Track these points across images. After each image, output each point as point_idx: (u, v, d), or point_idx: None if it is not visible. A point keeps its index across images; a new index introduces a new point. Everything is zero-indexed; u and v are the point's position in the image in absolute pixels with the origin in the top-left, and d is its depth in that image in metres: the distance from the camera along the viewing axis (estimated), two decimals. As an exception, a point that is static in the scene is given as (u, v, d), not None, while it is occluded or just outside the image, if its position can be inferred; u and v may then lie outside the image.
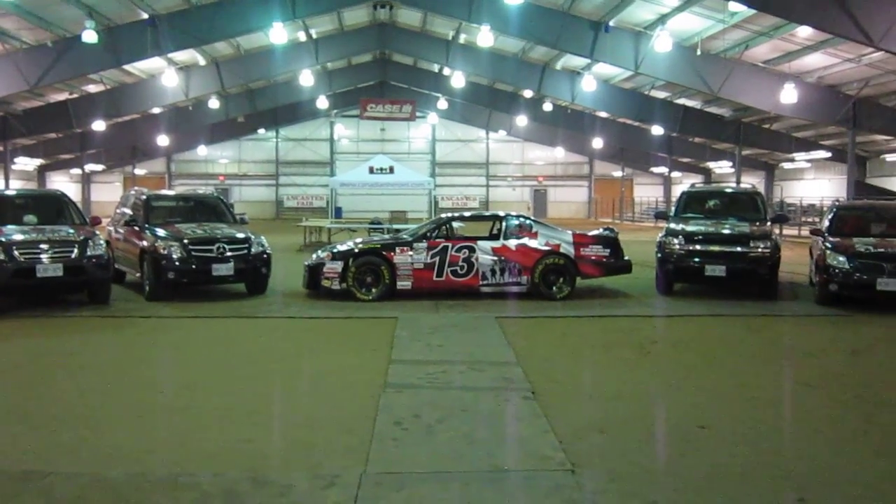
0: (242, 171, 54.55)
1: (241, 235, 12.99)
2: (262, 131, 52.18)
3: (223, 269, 12.39)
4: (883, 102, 27.55)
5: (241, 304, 12.36)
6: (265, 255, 13.10)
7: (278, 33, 25.33)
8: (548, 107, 39.88)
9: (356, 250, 12.64)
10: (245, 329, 10.41)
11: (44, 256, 11.24)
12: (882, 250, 11.94)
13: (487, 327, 10.30)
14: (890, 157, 35.86)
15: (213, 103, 37.45)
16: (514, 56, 33.02)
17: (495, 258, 12.64)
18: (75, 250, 11.55)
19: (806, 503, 4.65)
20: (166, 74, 29.60)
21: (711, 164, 47.35)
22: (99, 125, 34.69)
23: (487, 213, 15.45)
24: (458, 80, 35.25)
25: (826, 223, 13.54)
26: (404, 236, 13.26)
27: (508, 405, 6.65)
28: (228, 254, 12.48)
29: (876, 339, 9.98)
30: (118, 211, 15.06)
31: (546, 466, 5.20)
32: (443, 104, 45.25)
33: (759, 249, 12.76)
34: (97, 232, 12.50)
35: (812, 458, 5.43)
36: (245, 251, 12.73)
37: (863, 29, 17.82)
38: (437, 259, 12.53)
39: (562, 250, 12.79)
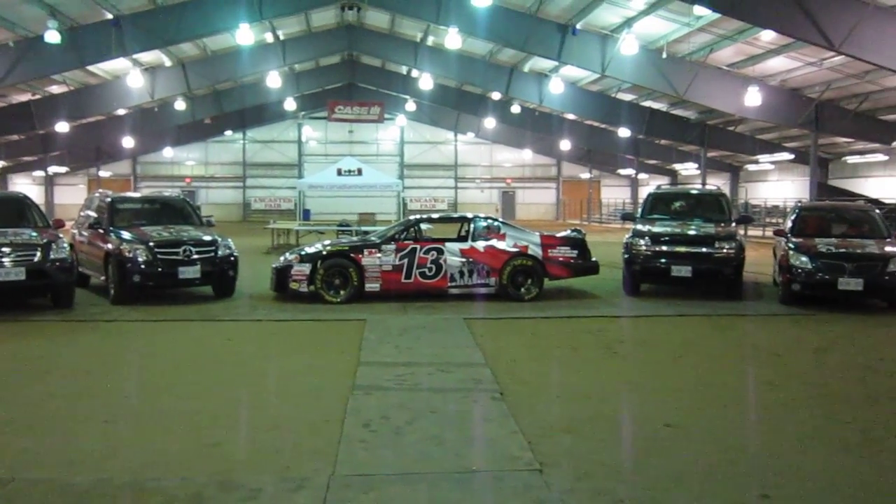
0: (209, 173, 54.10)
1: (207, 238, 12.89)
2: (229, 133, 51.82)
3: (190, 272, 12.28)
4: (844, 105, 28.03)
5: (208, 307, 12.26)
6: (232, 258, 13.01)
7: (245, 34, 25.17)
8: (516, 109, 40.04)
9: (324, 252, 12.60)
10: (212, 332, 10.33)
11: (5, 260, 11.04)
12: (843, 250, 12.16)
13: (456, 329, 10.32)
14: (851, 159, 36.48)
15: (180, 105, 37.10)
16: (482, 58, 33.12)
17: (464, 260, 12.67)
18: (38, 254, 11.37)
19: (770, 499, 4.72)
20: (131, 75, 29.25)
21: (678, 166, 47.84)
22: (62, 127, 34.17)
23: (456, 215, 15.49)
24: (426, 82, 35.27)
25: (789, 224, 13.76)
26: (373, 238, 13.23)
27: (477, 406, 6.67)
28: (195, 256, 12.37)
29: (837, 338, 10.15)
30: (82, 214, 14.85)
31: (514, 466, 5.22)
32: (411, 106, 45.28)
33: (724, 250, 12.92)
34: (60, 235, 12.33)
35: (776, 455, 5.51)
36: (212, 254, 12.63)
37: (824, 33, 18.12)
38: (405, 261, 12.53)
39: (530, 252, 12.86)
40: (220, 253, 12.75)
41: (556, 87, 31.58)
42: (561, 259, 13.06)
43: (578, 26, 25.03)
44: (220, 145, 53.74)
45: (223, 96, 40.65)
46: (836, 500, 4.72)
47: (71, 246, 12.94)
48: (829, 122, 28.04)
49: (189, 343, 9.65)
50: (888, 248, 12.21)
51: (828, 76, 25.25)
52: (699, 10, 20.66)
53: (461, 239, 13.10)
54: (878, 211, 14.39)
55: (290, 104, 43.44)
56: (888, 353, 9.28)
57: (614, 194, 54.46)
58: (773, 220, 33.19)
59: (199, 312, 11.70)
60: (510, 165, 56.25)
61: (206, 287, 13.15)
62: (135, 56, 28.10)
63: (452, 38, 25.59)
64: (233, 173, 54.18)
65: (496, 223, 13.30)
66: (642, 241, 13.27)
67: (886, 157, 33.74)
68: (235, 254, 13.15)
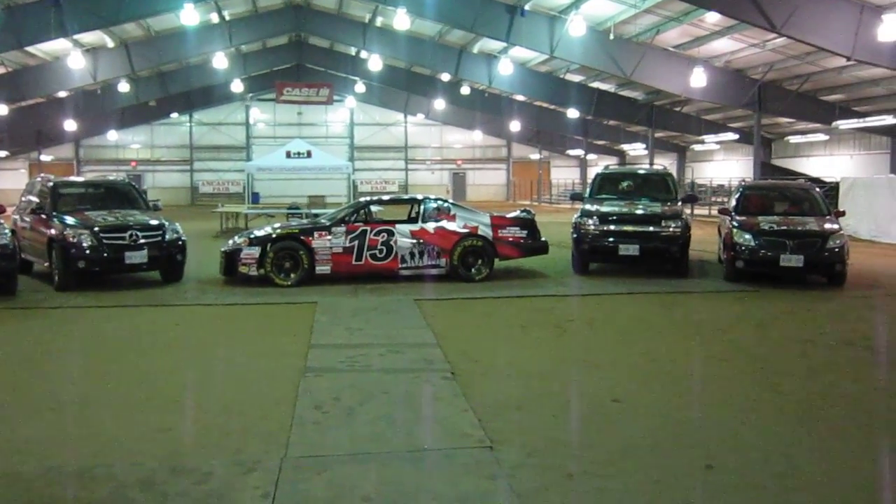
0: (155, 157, 53.15)
1: (154, 222, 12.70)
2: (174, 115, 50.84)
3: (136, 257, 12.10)
4: (786, 86, 28.59)
5: (155, 292, 12.10)
6: (180, 242, 12.84)
7: (189, 14, 24.62)
8: (465, 90, 40.01)
9: (274, 235, 12.51)
10: (160, 317, 10.21)
11: (-56, 247, 10.76)
12: (785, 228, 12.48)
13: (407, 310, 10.36)
14: (793, 139, 37.28)
15: (123, 87, 36.24)
16: (431, 39, 33.02)
17: (414, 241, 12.70)
18: (-22, 240, 11.10)
19: (713, 469, 4.87)
20: (72, 57, 28.44)
21: (626, 147, 48.38)
22: (0, 109, 33.21)
23: (406, 197, 15.48)
24: (375, 63, 35.02)
25: (733, 203, 14.04)
26: (323, 221, 13.17)
27: (428, 386, 6.73)
28: (141, 241, 12.18)
29: (780, 313, 10.43)
30: (24, 199, 14.49)
31: (465, 444, 5.29)
32: (361, 88, 44.97)
33: (671, 229, 13.15)
34: (1, 221, 12.04)
35: (720, 427, 5.67)
36: (159, 238, 12.45)
37: (766, 15, 18.46)
38: (355, 243, 12.51)
39: (480, 232, 12.93)
40: (167, 237, 12.57)
41: (505, 68, 31.65)
42: (511, 239, 13.16)
43: (527, 7, 25.12)
44: (167, 128, 52.80)
45: (168, 78, 39.86)
46: (776, 468, 4.87)
47: (13, 232, 12.67)
48: (771, 102, 28.61)
49: (137, 329, 9.52)
50: (827, 226, 12.56)
51: (770, 57, 25.73)
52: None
53: (411, 220, 13.11)
54: (818, 189, 14.76)
55: (237, 86, 42.73)
56: (827, 327, 9.56)
57: (564, 175, 54.94)
58: (719, 199, 33.82)
59: (147, 298, 11.55)
60: (460, 147, 56.29)
61: (154, 272, 12.97)
62: (75, 37, 27.40)
63: (401, 19, 25.45)
64: (180, 156, 53.30)
65: (446, 204, 13.34)
66: (590, 221, 13.43)
67: (827, 137, 34.57)
68: (183, 238, 12.99)
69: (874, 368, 7.51)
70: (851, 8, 18.68)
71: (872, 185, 22.30)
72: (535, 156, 53.93)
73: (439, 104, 45.11)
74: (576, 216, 13.99)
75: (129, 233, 12.15)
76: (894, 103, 27.99)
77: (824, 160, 35.86)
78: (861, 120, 29.49)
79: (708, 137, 38.64)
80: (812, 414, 6.03)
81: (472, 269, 12.85)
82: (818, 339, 8.76)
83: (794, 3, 18.40)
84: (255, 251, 12.24)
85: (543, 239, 13.67)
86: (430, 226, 12.85)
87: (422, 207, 13.11)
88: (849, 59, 20.27)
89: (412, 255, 12.71)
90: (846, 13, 18.75)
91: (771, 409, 6.16)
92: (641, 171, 16.84)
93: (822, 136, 34.73)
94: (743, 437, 5.46)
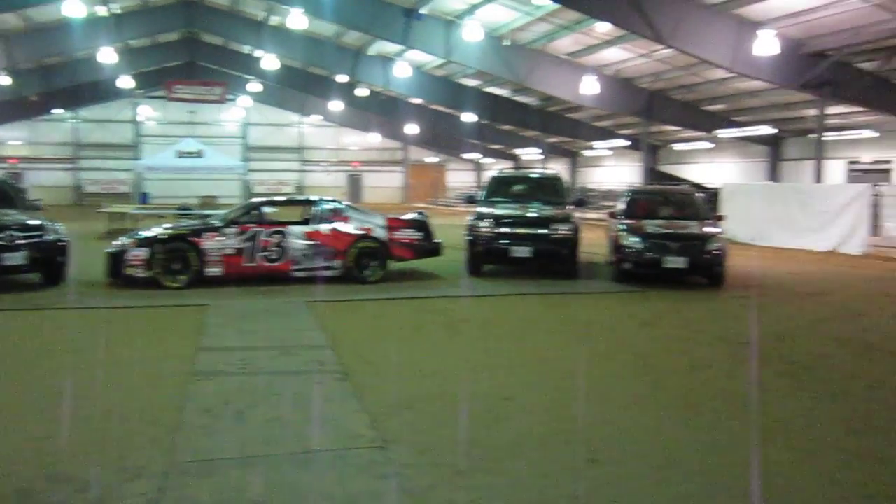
0: (37, 154, 50.72)
1: (33, 222, 12.14)
2: (59, 111, 48.67)
3: (14, 259, 11.53)
4: (672, 96, 29.76)
5: (35, 295, 11.57)
6: (61, 243, 12.32)
7: (73, 6, 23.67)
8: (363, 92, 39.91)
9: (162, 236, 12.17)
10: (40, 322, 9.78)
11: None
12: (668, 231, 13.00)
13: (300, 312, 10.27)
14: (680, 146, 38.76)
15: (3, 80, 34.47)
16: (328, 40, 32.78)
17: (308, 243, 12.59)
18: None
19: (598, 462, 5.03)
20: (-56, 47, 26.98)
21: (520, 151, 49.24)
22: None
23: (300, 198, 15.34)
24: (270, 62, 34.50)
25: (621, 207, 14.51)
26: (213, 222, 12.91)
27: (320, 387, 6.69)
28: (20, 242, 11.62)
29: (663, 312, 10.84)
30: None
31: (357, 445, 5.29)
32: (256, 87, 44.20)
33: (561, 231, 13.49)
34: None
35: (605, 422, 5.85)
36: (38, 239, 11.92)
37: (653, 27, 19.16)
38: (247, 244, 12.31)
39: (374, 234, 12.93)
40: (47, 238, 12.05)
41: (401, 70, 31.73)
42: (405, 241, 13.22)
43: (424, 11, 25.26)
44: (49, 124, 50.48)
45: (52, 72, 38.14)
46: (657, 461, 5.08)
47: None
48: (659, 111, 29.75)
49: (15, 333, 9.08)
50: (708, 230, 13.15)
51: (658, 68, 26.71)
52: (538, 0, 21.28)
53: (305, 222, 13.00)
54: (700, 194, 15.42)
55: (126, 82, 41.32)
56: (707, 325, 10.01)
57: (460, 178, 55.54)
58: (609, 203, 34.80)
59: (26, 301, 11.02)
60: (357, 149, 56.11)
61: (34, 274, 12.40)
62: (-52, 26, 25.95)
63: (296, 19, 25.18)
64: (63, 154, 51.06)
65: (341, 206, 13.28)
66: (484, 223, 13.64)
67: (712, 145, 36.08)
68: (65, 238, 12.46)
69: (748, 364, 7.90)
70: (731, 23, 19.62)
71: (750, 192, 23.48)
72: (432, 159, 54.29)
73: (336, 105, 44.81)
74: (470, 219, 14.16)
75: (6, 233, 11.58)
76: (772, 114, 29.50)
77: (709, 167, 37.43)
78: (740, 129, 30.97)
79: (598, 143, 39.78)
80: (691, 408, 6.30)
81: (367, 271, 12.84)
82: (698, 337, 9.16)
83: (679, 17, 19.18)
84: (143, 252, 11.88)
85: (438, 241, 13.78)
86: (325, 227, 12.76)
87: (316, 209, 13.02)
88: (729, 70, 21.27)
89: (306, 256, 12.60)
90: (726, 28, 19.68)
91: (653, 403, 6.41)
92: (533, 175, 17.21)
93: (707, 144, 36.25)
94: (626, 432, 5.66)
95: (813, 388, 6.99)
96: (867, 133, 28.11)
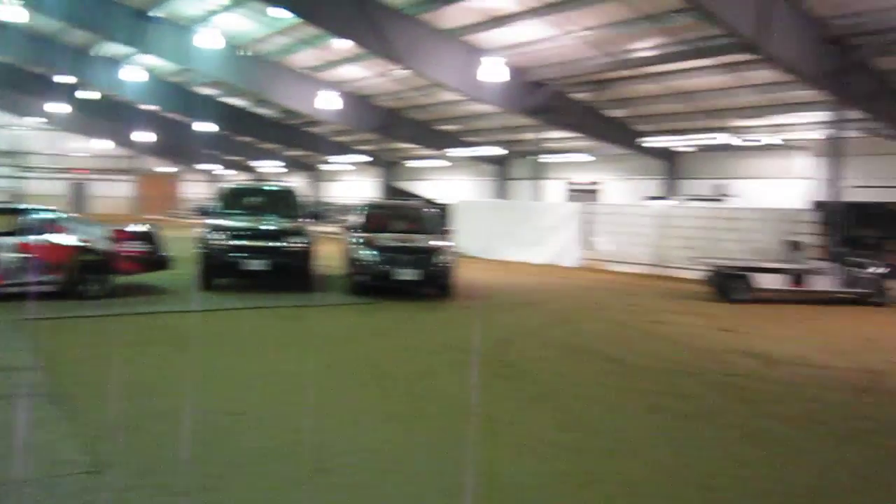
0: None
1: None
2: None
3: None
4: (408, 115, 30.84)
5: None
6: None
7: None
8: (90, 95, 37.21)
9: None
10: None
11: None
12: (401, 244, 13.49)
13: (10, 331, 9.44)
14: (418, 163, 40.17)
15: None
16: (50, 37, 30.22)
17: (19, 255, 11.54)
18: None
19: (326, 472, 5.13)
20: None
21: (260, 164, 48.50)
22: None
23: (10, 207, 14.01)
24: (-27, 56, 31.16)
25: (357, 220, 14.82)
26: None
27: (26, 413, 6.18)
28: None
29: (394, 322, 11.26)
30: None
31: (69, 471, 4.97)
32: (-40, 83, 39.71)
33: (296, 244, 13.52)
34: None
35: (333, 432, 5.96)
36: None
37: (390, 47, 19.75)
38: (-53, 258, 11.08)
39: (98, 246, 12.15)
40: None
41: (133, 74, 30.11)
42: (132, 254, 12.54)
43: (159, 14, 24.18)
44: None
45: None
46: (384, 465, 5.29)
47: None
48: (396, 128, 30.70)
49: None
50: (436, 243, 13.79)
51: (395, 87, 27.55)
52: (276, 11, 21.11)
53: (16, 233, 11.89)
54: (433, 209, 16.14)
55: None
56: (435, 334, 10.53)
57: (197, 189, 53.57)
58: (346, 217, 35.24)
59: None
60: (84, 155, 52.22)
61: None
62: None
63: (15, 12, 23.02)
64: None
65: (58, 216, 12.34)
66: (216, 236, 13.33)
67: (450, 163, 37.76)
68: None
69: (470, 368, 8.40)
70: (461, 48, 20.71)
71: (480, 208, 24.96)
72: (166, 169, 51.93)
73: (60, 108, 41.29)
74: (202, 231, 13.76)
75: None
76: (500, 136, 31.45)
77: (445, 183, 39.08)
78: (471, 149, 32.74)
79: (336, 158, 40.18)
80: (417, 413, 6.60)
81: (89, 286, 12.02)
82: (426, 346, 9.60)
83: (414, 39, 19.93)
84: None
85: (167, 254, 13.23)
86: (40, 239, 11.78)
87: (29, 218, 11.98)
88: (459, 93, 22.45)
89: (18, 270, 11.53)
90: (457, 53, 20.75)
91: (379, 411, 6.63)
92: (267, 188, 17.12)
93: (443, 162, 37.86)
94: (355, 440, 5.81)
95: (526, 389, 7.61)
96: (583, 157, 30.83)
